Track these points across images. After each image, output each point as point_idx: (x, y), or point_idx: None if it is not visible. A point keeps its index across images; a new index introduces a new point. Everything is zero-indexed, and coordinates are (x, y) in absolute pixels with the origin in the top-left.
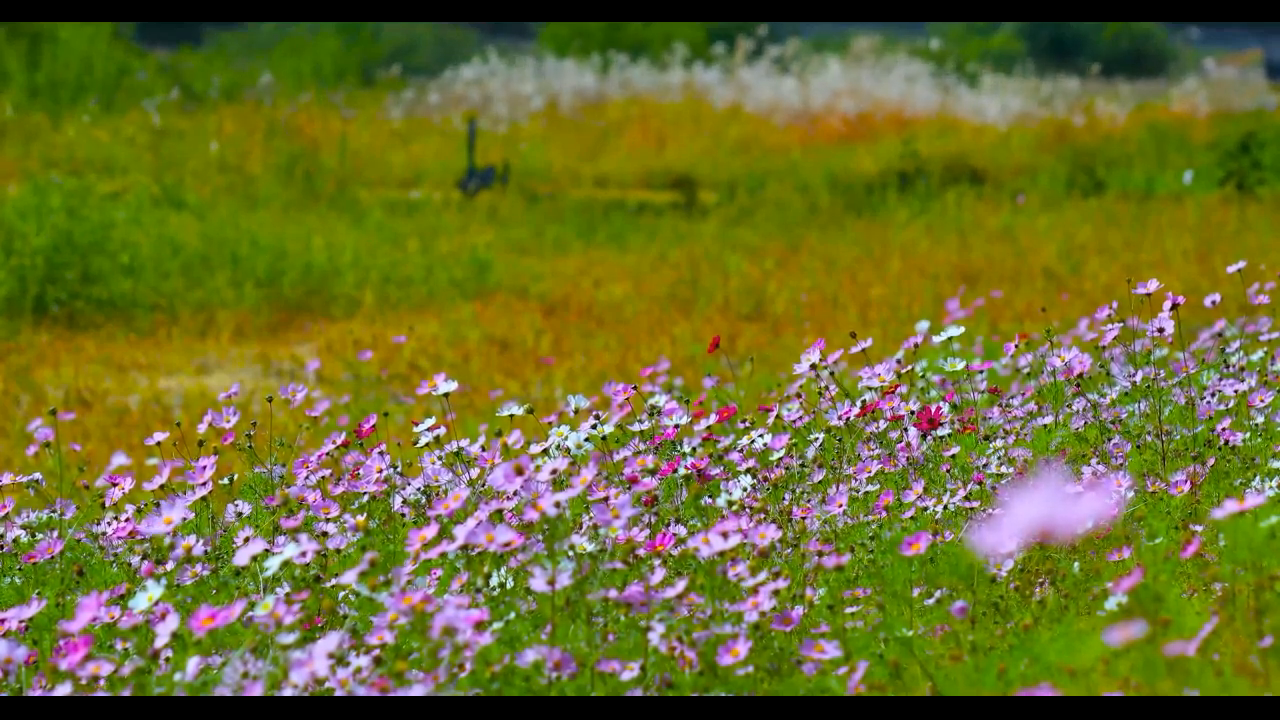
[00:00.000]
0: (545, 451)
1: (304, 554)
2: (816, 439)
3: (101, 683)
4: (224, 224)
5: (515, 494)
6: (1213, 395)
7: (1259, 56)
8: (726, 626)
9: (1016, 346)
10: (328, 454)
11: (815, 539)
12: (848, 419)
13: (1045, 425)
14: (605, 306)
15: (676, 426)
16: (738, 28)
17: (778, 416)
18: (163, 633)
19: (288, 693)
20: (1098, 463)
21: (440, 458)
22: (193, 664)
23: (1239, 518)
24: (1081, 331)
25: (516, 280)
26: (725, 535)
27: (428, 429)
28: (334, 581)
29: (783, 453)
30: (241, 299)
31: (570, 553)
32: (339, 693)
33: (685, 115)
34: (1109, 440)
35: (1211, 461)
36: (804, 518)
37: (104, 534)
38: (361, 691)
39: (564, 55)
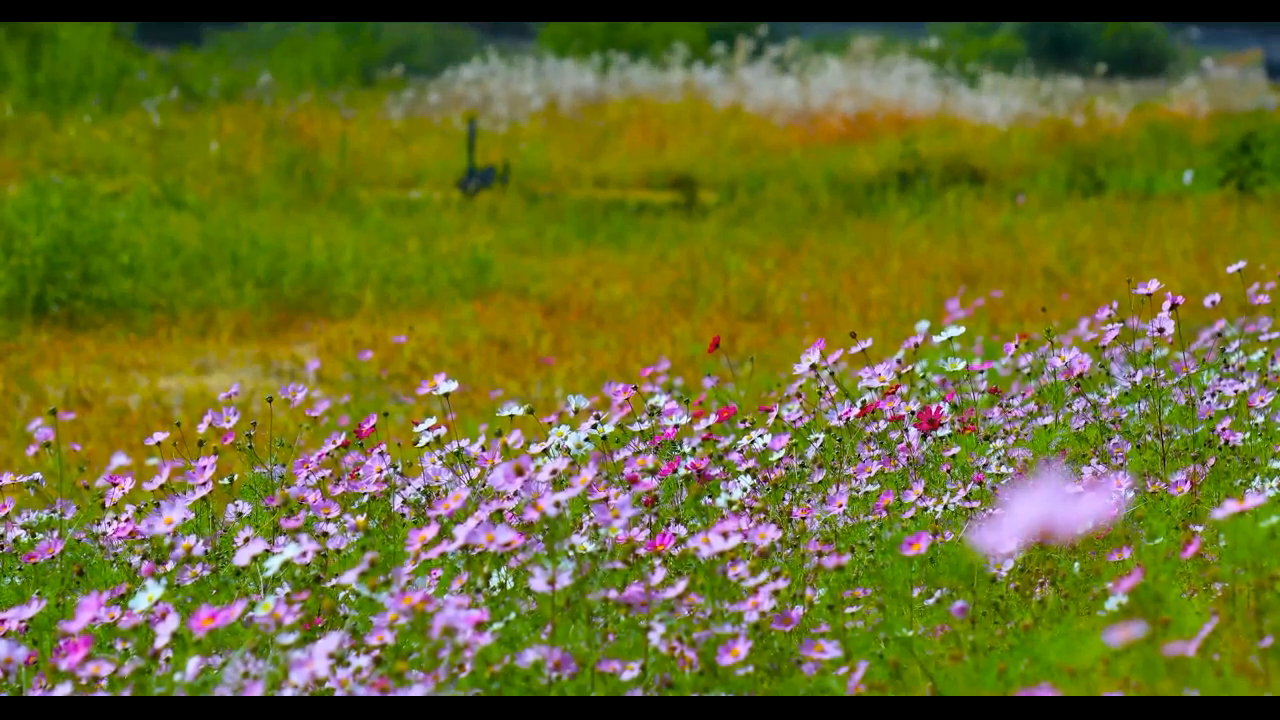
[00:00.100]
0: (545, 451)
1: (304, 554)
2: (816, 439)
3: (101, 683)
4: (224, 224)
5: (515, 494)
6: (1213, 395)
7: (1259, 56)
8: (726, 626)
9: (1016, 346)
10: (328, 454)
11: (815, 539)
12: (848, 419)
13: (1045, 425)
14: (605, 306)
15: (676, 426)
16: (738, 28)
17: (778, 417)
18: (163, 633)
19: (288, 693)
20: (1098, 463)
21: (440, 458)
22: (193, 664)
23: (1239, 518)
24: (1081, 331)
25: (516, 280)
26: (725, 535)
27: (428, 429)
28: (334, 581)
29: (783, 453)
30: (241, 299)
31: (570, 553)
32: (339, 693)
33: (685, 115)
34: (1109, 440)
35: (1211, 461)
36: (804, 518)
37: (104, 534)
38: (361, 691)
39: (564, 55)
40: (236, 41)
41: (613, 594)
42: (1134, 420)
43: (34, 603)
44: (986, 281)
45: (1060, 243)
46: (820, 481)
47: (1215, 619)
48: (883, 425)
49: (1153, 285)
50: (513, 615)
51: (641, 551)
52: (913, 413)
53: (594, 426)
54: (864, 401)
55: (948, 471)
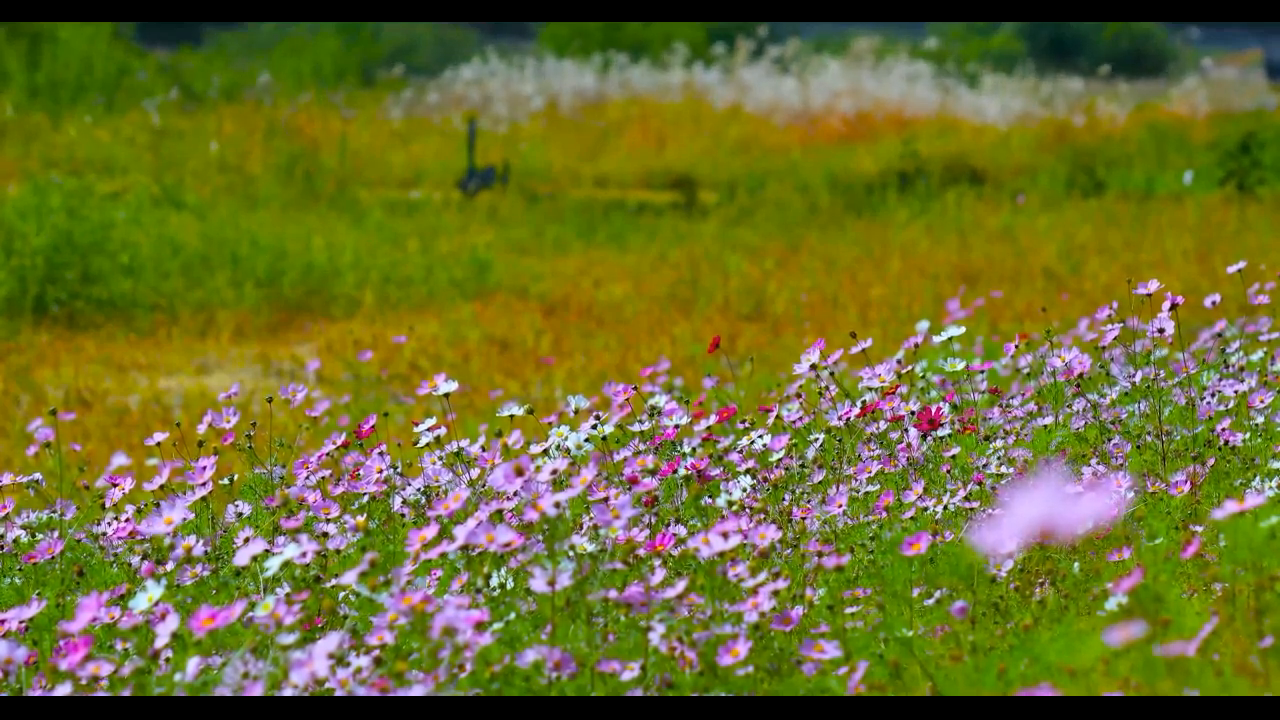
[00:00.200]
0: (545, 452)
1: (304, 554)
2: (816, 439)
3: (101, 683)
4: (224, 224)
5: (515, 494)
6: (1213, 395)
7: (1259, 56)
8: (726, 627)
9: (1016, 347)
10: (328, 454)
11: (815, 539)
12: (848, 419)
13: (1045, 425)
14: (605, 306)
15: (676, 427)
16: (738, 28)
17: (778, 417)
18: (163, 633)
19: (288, 693)
20: (1098, 463)
21: (440, 458)
22: (193, 664)
23: (1239, 518)
24: (1081, 331)
25: (516, 280)
26: (725, 535)
27: (428, 429)
28: (334, 582)
29: (783, 453)
30: (241, 299)
31: (570, 553)
32: (339, 693)
33: (685, 115)
34: (1109, 440)
35: (1211, 462)
36: (804, 518)
37: (104, 534)
38: (361, 692)
39: (564, 55)
40: (236, 41)
41: (613, 594)
42: (1134, 420)
43: (34, 603)
44: (986, 281)
45: (1060, 243)
46: (820, 482)
47: (1215, 619)
48: (883, 425)
49: (1153, 285)
50: (513, 615)
51: (641, 552)
52: (913, 413)
53: (594, 427)
54: (864, 401)
55: (948, 472)
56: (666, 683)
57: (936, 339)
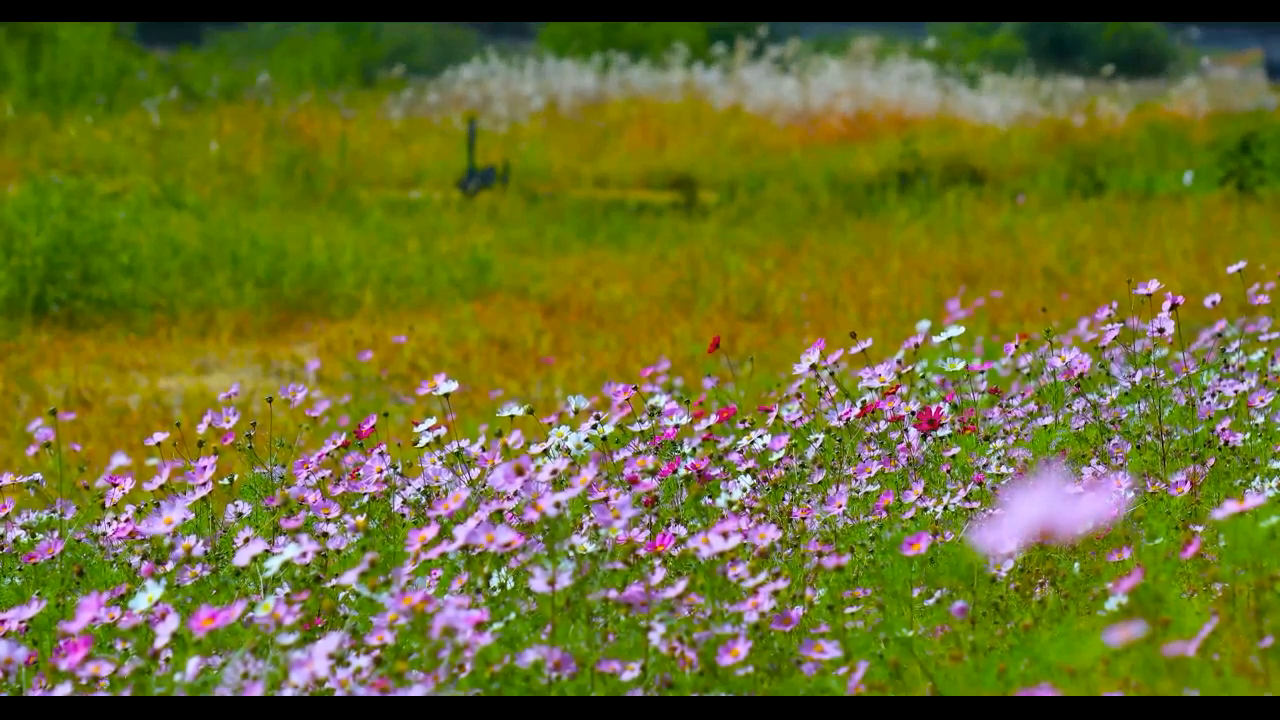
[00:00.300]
0: (545, 452)
1: (304, 554)
2: (816, 439)
3: (102, 683)
4: (224, 224)
5: (515, 494)
6: (1213, 395)
7: (1259, 56)
8: (726, 627)
9: (1016, 347)
10: (328, 454)
11: (815, 539)
12: (848, 419)
13: (1045, 425)
14: (605, 306)
15: (676, 427)
16: (738, 28)
17: (778, 417)
18: (163, 633)
19: (288, 693)
20: (1098, 463)
21: (440, 458)
22: (193, 664)
23: (1239, 518)
24: (1081, 331)
25: (516, 280)
26: (725, 535)
27: (428, 429)
28: (334, 582)
29: (783, 453)
30: (241, 299)
31: (570, 553)
32: (339, 693)
33: (685, 115)
34: (1109, 440)
35: (1211, 462)
36: (804, 518)
37: (104, 534)
38: (361, 692)
39: (564, 55)
40: (236, 41)
41: (613, 594)
42: (1134, 420)
43: (34, 603)
44: (986, 281)
45: (1060, 243)
46: (820, 482)
47: (1215, 619)
48: (883, 425)
49: (1153, 285)
50: (513, 615)
51: (641, 552)
52: (913, 413)
53: (594, 427)
54: (864, 402)
55: (948, 472)
56: (666, 683)
57: (936, 339)
